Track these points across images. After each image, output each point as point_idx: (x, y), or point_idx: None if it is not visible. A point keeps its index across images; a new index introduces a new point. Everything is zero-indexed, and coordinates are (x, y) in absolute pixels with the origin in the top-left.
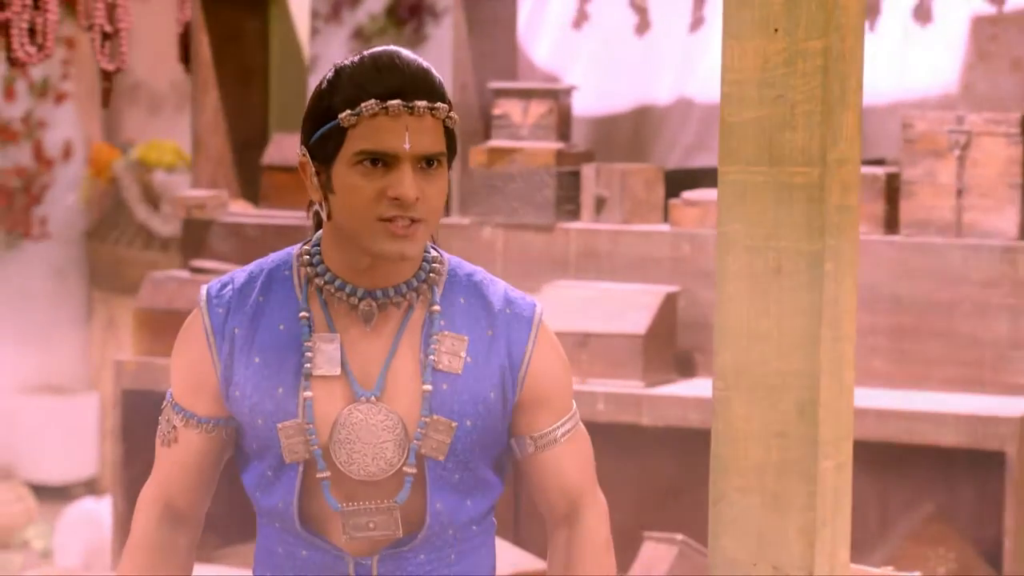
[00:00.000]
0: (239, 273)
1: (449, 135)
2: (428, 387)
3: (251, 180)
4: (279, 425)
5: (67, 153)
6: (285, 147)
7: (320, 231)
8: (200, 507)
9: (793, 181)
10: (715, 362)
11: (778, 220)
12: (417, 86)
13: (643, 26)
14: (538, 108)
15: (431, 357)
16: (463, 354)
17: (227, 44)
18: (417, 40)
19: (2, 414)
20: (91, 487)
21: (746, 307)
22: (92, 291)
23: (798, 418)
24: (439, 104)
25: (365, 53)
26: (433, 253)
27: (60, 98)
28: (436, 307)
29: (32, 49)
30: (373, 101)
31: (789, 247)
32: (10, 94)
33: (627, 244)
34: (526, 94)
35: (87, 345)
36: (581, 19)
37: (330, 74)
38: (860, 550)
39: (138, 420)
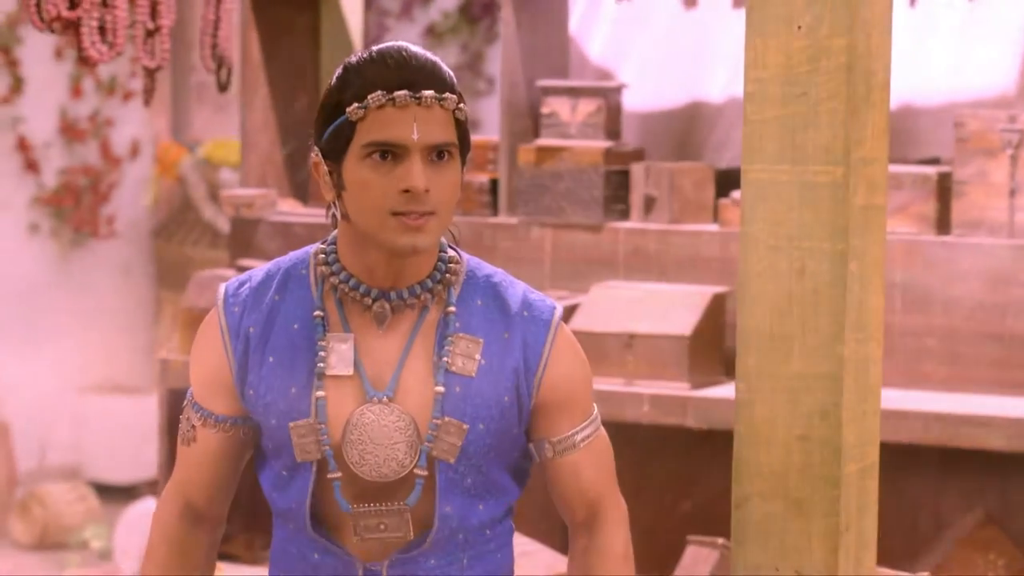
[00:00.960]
0: (257, 272)
1: (460, 128)
2: (440, 389)
3: (301, 178)
4: (291, 424)
5: (134, 151)
6: None
7: (335, 231)
8: (221, 506)
9: (817, 180)
10: (737, 364)
11: (802, 220)
12: (424, 77)
13: (690, 2)
14: (587, 106)
15: (444, 359)
16: (477, 356)
17: (277, 41)
18: (491, 38)
19: (68, 413)
20: (155, 487)
21: (769, 308)
22: (158, 290)
23: (821, 421)
24: (447, 94)
25: (373, 48)
26: (451, 253)
27: (127, 96)
28: (452, 308)
29: (103, 47)
30: (379, 92)
31: (813, 247)
32: (77, 92)
33: (676, 244)
34: (574, 92)
35: (153, 344)
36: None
37: (339, 71)
38: (909, 555)
39: None
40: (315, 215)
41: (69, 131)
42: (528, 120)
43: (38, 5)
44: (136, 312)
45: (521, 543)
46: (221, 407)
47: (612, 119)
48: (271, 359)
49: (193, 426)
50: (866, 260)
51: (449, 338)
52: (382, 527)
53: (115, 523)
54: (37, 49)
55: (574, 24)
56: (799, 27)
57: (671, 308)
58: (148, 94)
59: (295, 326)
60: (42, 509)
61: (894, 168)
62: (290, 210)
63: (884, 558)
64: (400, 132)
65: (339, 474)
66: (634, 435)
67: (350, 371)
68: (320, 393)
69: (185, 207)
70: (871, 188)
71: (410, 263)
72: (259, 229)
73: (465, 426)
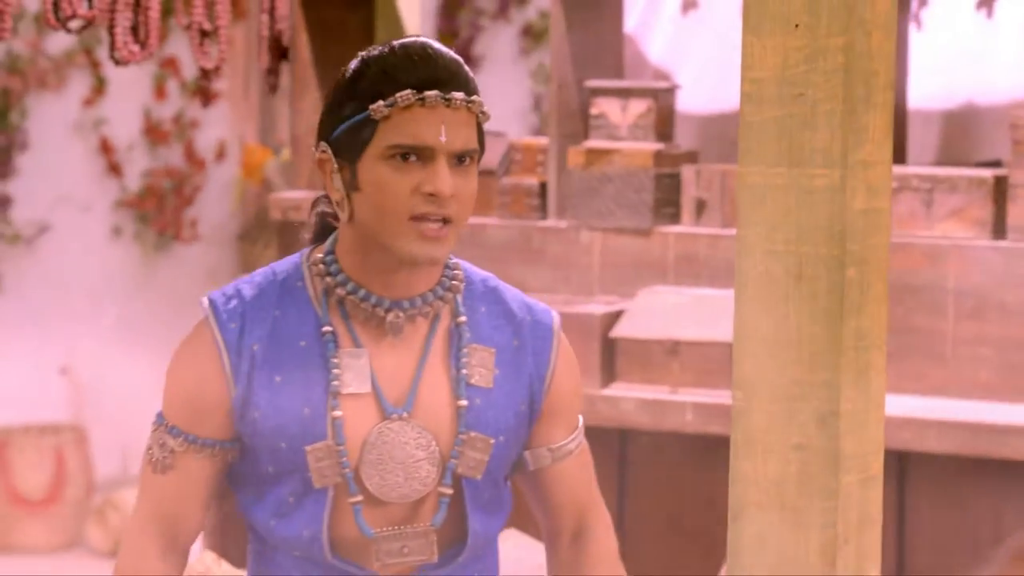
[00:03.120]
0: (244, 285)
1: (480, 132)
2: (464, 402)
3: None
4: (308, 448)
5: (219, 154)
6: None
7: (332, 236)
8: (196, 536)
9: (813, 183)
10: (734, 370)
11: (799, 224)
12: (453, 77)
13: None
14: (637, 107)
15: (463, 371)
16: (492, 367)
17: (328, 41)
18: None
19: (148, 420)
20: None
21: (766, 314)
22: None
23: (818, 430)
24: (475, 98)
25: (394, 43)
26: (452, 259)
27: (212, 97)
28: (462, 318)
29: (135, 47)
30: (409, 91)
31: (810, 252)
32: (161, 94)
33: (727, 249)
34: (624, 93)
35: None
36: (688, 6)
37: (355, 64)
38: (966, 569)
39: None
40: None
41: (153, 133)
42: (579, 122)
43: (55, 4)
44: None
45: (521, 543)
46: (209, 430)
47: (663, 121)
48: (278, 379)
49: (171, 451)
50: (866, 265)
51: (464, 349)
52: (405, 550)
53: None
54: None
55: (632, 24)
56: (796, 26)
57: (718, 315)
58: (205, 95)
59: (302, 343)
60: (119, 516)
61: (949, 171)
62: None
63: (944, 572)
64: (428, 135)
65: (359, 497)
66: (676, 444)
67: (367, 388)
68: (337, 413)
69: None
70: (872, 192)
71: (421, 272)
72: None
73: (491, 440)
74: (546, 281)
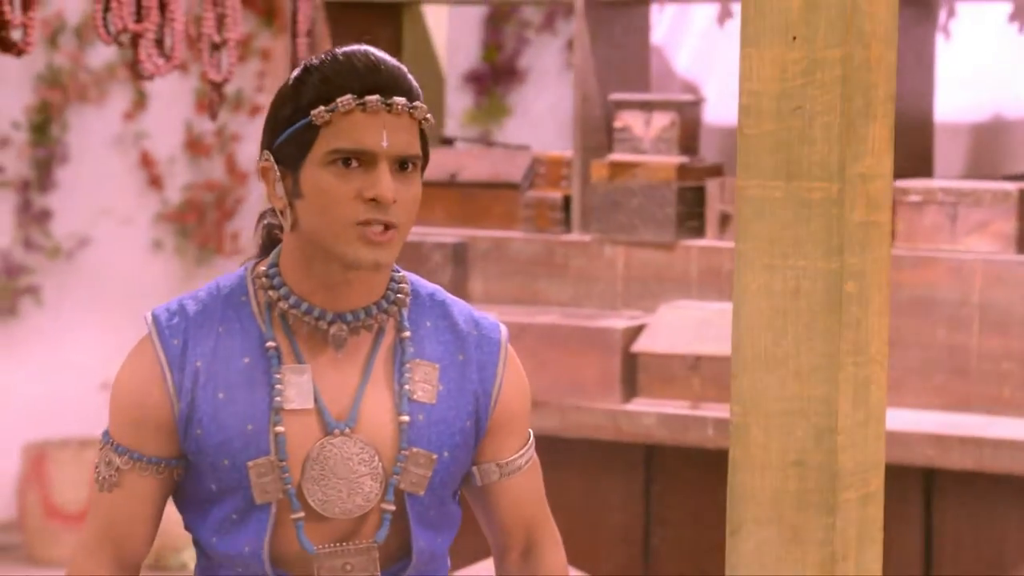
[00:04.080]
0: (189, 300)
1: (423, 139)
2: (406, 418)
3: None
4: (250, 463)
5: None
6: None
7: (276, 249)
8: (146, 554)
9: (811, 197)
10: (732, 386)
11: (797, 238)
12: (395, 83)
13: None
14: (660, 120)
15: (406, 387)
16: (435, 383)
17: None
18: None
19: None
20: None
21: (764, 328)
22: None
23: (815, 446)
24: (417, 103)
25: (336, 50)
26: (398, 272)
27: (254, 111)
28: (407, 333)
29: (160, 60)
30: (349, 96)
31: (808, 266)
32: (203, 107)
33: None
34: (647, 106)
35: None
36: (724, 16)
37: (298, 72)
38: None
39: None
40: None
41: (194, 146)
42: (603, 135)
43: (104, 18)
44: None
45: None
46: (154, 448)
47: (687, 134)
48: (221, 395)
49: (117, 469)
50: (865, 279)
51: (407, 364)
52: (348, 567)
53: None
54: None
55: (660, 36)
56: (794, 38)
57: None
58: (213, 108)
59: (246, 360)
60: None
61: (973, 184)
62: None
63: None
64: (369, 139)
65: (302, 513)
66: (699, 459)
67: (310, 404)
68: (280, 429)
69: None
70: (872, 205)
71: (365, 282)
72: None
73: (434, 456)
74: (569, 295)
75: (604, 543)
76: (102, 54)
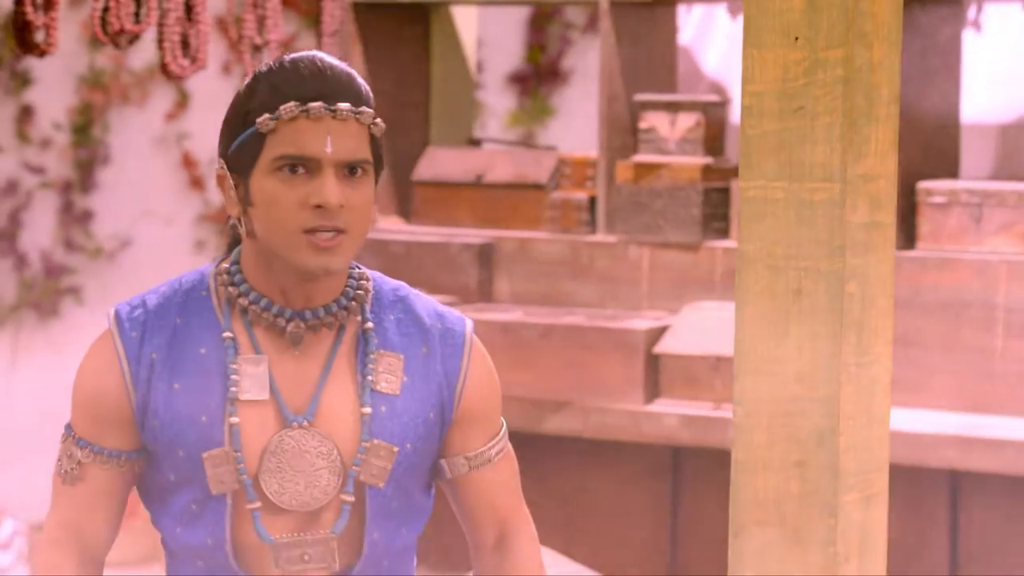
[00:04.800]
0: (150, 295)
1: (375, 144)
2: (368, 410)
3: (407, 195)
4: (205, 454)
5: None
6: (438, 162)
7: (238, 248)
8: (109, 547)
9: (813, 198)
10: (734, 387)
11: (799, 238)
12: (340, 89)
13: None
14: (685, 121)
15: (369, 378)
16: (400, 374)
17: (383, 53)
18: None
19: None
20: None
21: (766, 329)
22: None
23: (817, 447)
24: (363, 108)
25: (285, 57)
26: (358, 270)
27: None
28: (369, 324)
29: (185, 62)
30: (293, 103)
31: (809, 267)
32: None
33: None
34: (673, 106)
35: None
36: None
37: (249, 80)
38: None
39: None
40: (412, 233)
41: None
42: (629, 136)
43: (102, 18)
44: None
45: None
46: (113, 441)
47: (713, 134)
48: (177, 386)
49: (79, 463)
50: (868, 280)
51: (371, 355)
52: (305, 558)
53: None
54: None
55: (688, 37)
56: (796, 39)
57: None
58: None
59: (202, 351)
60: None
61: (998, 185)
62: (391, 227)
63: None
64: (313, 145)
65: (258, 504)
66: (719, 461)
67: (265, 395)
68: (234, 419)
69: None
70: (875, 205)
71: (322, 283)
72: None
73: (395, 448)
74: (594, 296)
75: (627, 545)
76: (144, 55)
